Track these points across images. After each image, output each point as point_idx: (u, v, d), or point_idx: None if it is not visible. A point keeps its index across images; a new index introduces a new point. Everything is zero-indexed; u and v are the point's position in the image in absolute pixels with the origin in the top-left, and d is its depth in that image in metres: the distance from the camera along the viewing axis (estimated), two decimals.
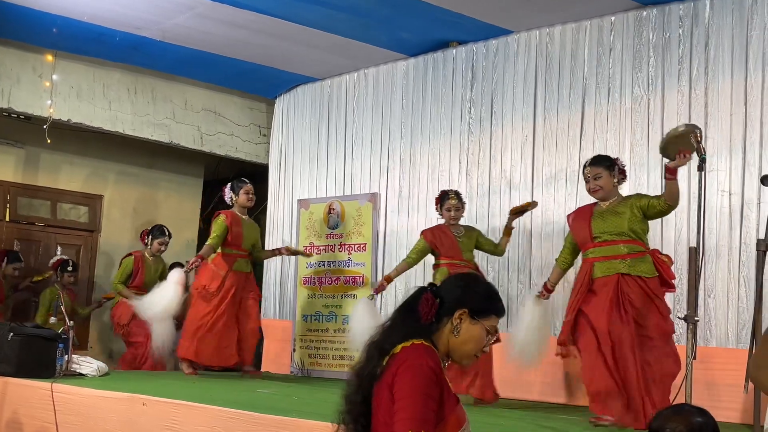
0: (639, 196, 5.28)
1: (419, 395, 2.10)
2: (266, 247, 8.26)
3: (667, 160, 4.98)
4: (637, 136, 6.52)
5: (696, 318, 4.16)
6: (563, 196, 6.78)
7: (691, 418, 2.29)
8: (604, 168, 5.21)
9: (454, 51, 7.61)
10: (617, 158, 5.44)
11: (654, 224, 6.35)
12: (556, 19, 6.88)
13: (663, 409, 2.53)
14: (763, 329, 4.36)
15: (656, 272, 5.00)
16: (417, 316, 2.28)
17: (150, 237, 8.03)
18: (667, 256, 5.21)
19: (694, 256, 4.76)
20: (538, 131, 7.06)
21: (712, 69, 6.21)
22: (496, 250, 6.40)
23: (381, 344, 2.27)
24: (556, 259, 5.59)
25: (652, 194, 5.34)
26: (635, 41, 6.57)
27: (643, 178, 6.43)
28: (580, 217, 5.35)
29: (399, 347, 2.20)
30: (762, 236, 4.13)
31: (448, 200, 6.30)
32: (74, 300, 7.92)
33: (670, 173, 4.91)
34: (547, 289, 5.58)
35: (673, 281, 5.14)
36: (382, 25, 7.17)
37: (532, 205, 6.36)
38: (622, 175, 5.33)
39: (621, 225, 5.04)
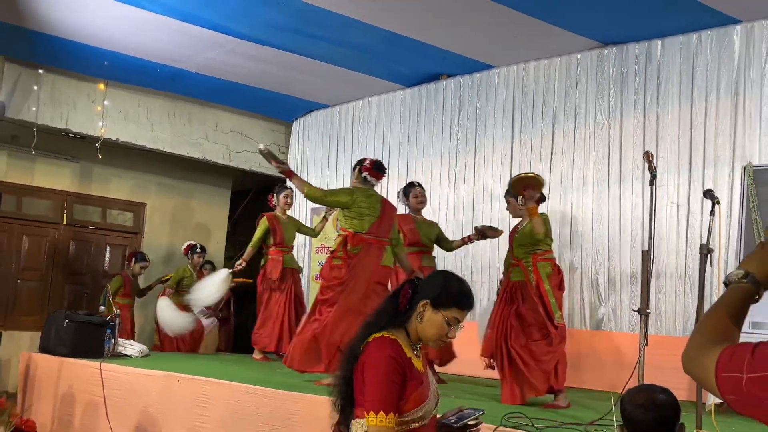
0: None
1: (381, 381, 2.22)
2: None
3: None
4: (599, 155, 6.55)
5: (648, 311, 4.09)
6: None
7: (655, 395, 2.29)
8: (511, 196, 5.17)
9: (444, 83, 7.67)
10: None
11: (613, 230, 6.45)
12: (530, 56, 6.93)
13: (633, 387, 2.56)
14: None
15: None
16: (397, 303, 2.40)
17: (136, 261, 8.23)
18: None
19: (647, 257, 4.81)
20: (515, 151, 7.09)
21: (663, 99, 6.26)
22: (451, 246, 6.26)
23: (368, 328, 2.38)
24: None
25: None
26: (598, 75, 6.61)
27: (603, 193, 6.46)
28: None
29: (371, 338, 2.30)
30: (704, 241, 4.12)
31: (414, 189, 6.10)
32: (201, 278, 7.91)
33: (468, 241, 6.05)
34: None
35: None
36: (383, 60, 7.23)
37: (498, 233, 6.04)
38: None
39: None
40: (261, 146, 5.42)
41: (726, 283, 1.46)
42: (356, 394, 2.26)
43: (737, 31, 5.90)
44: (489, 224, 6.38)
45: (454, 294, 2.39)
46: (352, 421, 2.26)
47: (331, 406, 2.38)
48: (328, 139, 8.80)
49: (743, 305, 1.41)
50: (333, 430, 2.42)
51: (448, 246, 6.29)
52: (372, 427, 2.19)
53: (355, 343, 2.37)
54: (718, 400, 4.54)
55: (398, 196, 6.32)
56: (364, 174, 5.25)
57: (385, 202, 5.34)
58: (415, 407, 2.28)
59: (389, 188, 7.90)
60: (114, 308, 6.42)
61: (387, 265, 5.22)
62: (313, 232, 7.62)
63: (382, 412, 2.19)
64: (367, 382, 2.23)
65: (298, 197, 7.56)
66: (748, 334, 5.21)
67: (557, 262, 5.13)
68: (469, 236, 6.15)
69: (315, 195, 5.27)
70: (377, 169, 5.29)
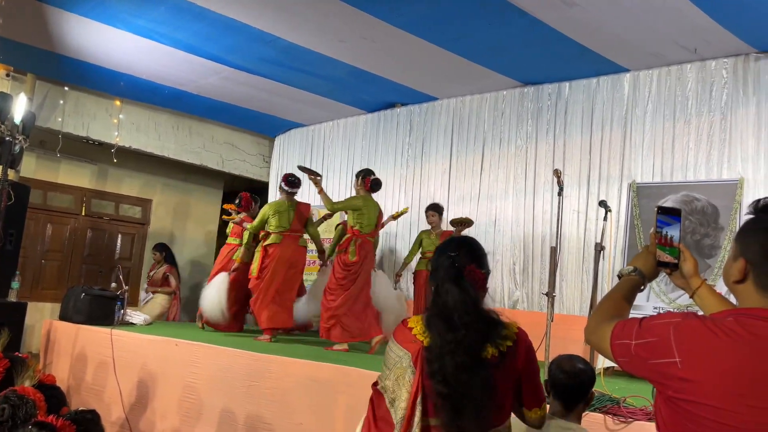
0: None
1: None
2: None
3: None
4: (518, 172, 6.61)
5: (554, 294, 4.16)
6: (468, 211, 6.84)
7: (576, 364, 2.28)
8: (438, 213, 6.31)
9: (398, 110, 7.69)
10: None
11: (527, 230, 6.55)
12: (467, 91, 7.00)
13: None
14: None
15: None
16: None
17: None
18: None
19: (554, 253, 4.87)
20: (452, 166, 7.14)
21: (569, 129, 6.34)
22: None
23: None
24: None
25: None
26: (519, 109, 6.68)
27: (521, 201, 6.53)
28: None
29: (516, 326, 1.91)
30: (598, 241, 4.17)
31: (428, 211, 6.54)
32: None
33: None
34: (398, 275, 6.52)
35: None
36: (350, 90, 7.22)
37: (405, 211, 6.37)
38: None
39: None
40: (299, 165, 5.91)
41: (619, 276, 1.52)
42: (525, 383, 1.81)
43: (627, 78, 6.03)
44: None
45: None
46: (526, 410, 1.83)
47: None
48: (304, 152, 8.73)
49: (632, 292, 1.49)
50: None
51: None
52: (543, 414, 1.87)
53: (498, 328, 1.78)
54: (607, 365, 4.63)
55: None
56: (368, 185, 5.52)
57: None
58: None
59: (353, 194, 7.90)
60: (123, 285, 6.26)
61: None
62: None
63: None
64: (536, 371, 1.86)
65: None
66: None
67: None
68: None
69: (338, 207, 5.49)
70: (376, 184, 5.60)
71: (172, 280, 7.65)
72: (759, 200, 1.33)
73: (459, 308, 1.66)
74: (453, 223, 6.43)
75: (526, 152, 6.60)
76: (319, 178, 5.58)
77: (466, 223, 6.36)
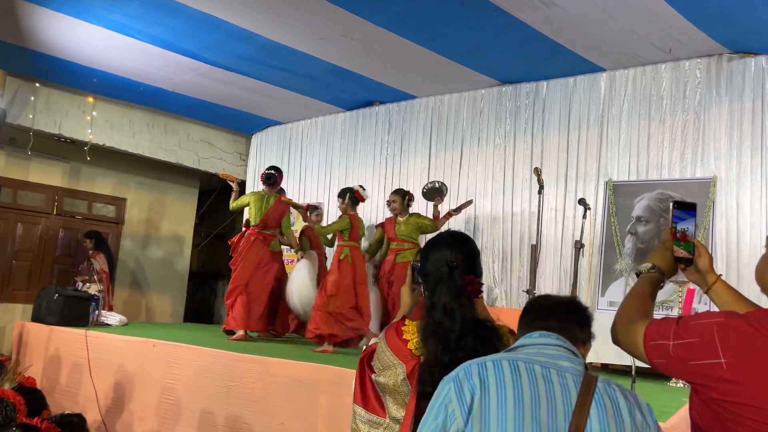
0: (418, 215, 5.86)
1: None
2: None
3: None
4: (497, 170, 6.64)
5: (534, 291, 4.21)
6: (447, 208, 6.74)
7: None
8: (399, 196, 5.80)
9: (377, 108, 7.66)
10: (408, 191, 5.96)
11: (506, 228, 6.58)
12: (446, 90, 7.01)
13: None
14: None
15: None
16: None
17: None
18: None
19: (534, 250, 4.88)
20: (431, 165, 7.13)
21: (547, 127, 6.37)
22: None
23: None
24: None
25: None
26: (497, 107, 6.70)
27: (500, 199, 6.55)
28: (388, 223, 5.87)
29: None
30: (578, 238, 4.21)
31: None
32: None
33: (447, 216, 5.78)
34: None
35: None
36: (328, 88, 7.18)
37: (468, 203, 6.00)
38: (410, 200, 5.85)
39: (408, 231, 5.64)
40: (284, 198, 6.12)
41: (637, 274, 1.49)
42: None
43: (603, 77, 6.10)
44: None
45: None
46: None
47: None
48: (281, 150, 8.67)
49: (653, 290, 1.46)
50: None
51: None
52: None
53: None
54: (586, 362, 4.69)
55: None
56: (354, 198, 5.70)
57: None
58: None
59: (331, 192, 7.89)
60: (99, 285, 6.16)
61: None
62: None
63: None
64: None
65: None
66: (605, 310, 5.42)
67: None
68: (443, 215, 5.93)
69: (329, 231, 5.75)
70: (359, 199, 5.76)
71: (96, 264, 7.23)
72: None
73: (457, 329, 1.56)
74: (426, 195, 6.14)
75: (505, 151, 6.63)
76: (302, 209, 5.88)
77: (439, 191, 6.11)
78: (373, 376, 1.68)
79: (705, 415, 1.22)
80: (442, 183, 6.27)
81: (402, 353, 1.63)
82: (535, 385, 1.21)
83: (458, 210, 5.92)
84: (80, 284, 7.12)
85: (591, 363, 4.85)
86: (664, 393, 4.08)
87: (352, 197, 5.65)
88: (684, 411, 3.12)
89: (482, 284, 1.71)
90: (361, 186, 5.94)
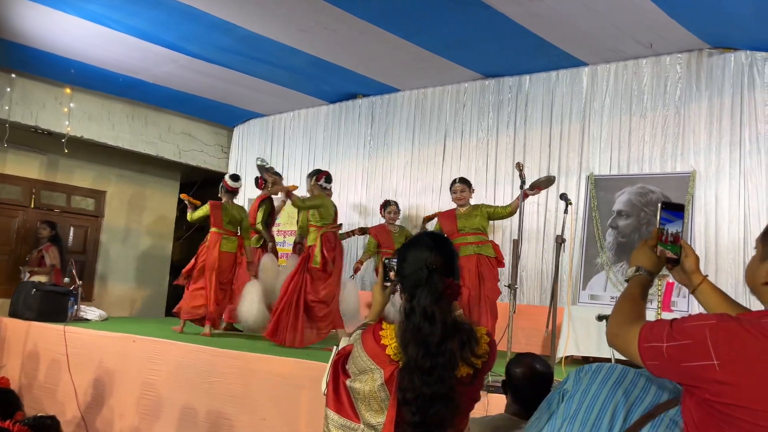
0: (486, 205, 5.26)
1: None
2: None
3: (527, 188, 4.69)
4: (479, 164, 6.66)
5: (516, 286, 4.19)
6: (430, 202, 6.87)
7: (534, 364, 2.19)
8: (467, 185, 5.20)
9: (360, 101, 7.63)
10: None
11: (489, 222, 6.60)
12: (429, 83, 7.00)
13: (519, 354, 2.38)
14: (560, 296, 4.64)
15: (495, 254, 5.07)
16: None
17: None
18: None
19: (516, 245, 4.89)
20: (414, 158, 7.13)
21: (529, 121, 6.40)
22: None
23: None
24: None
25: (492, 205, 5.36)
26: (480, 101, 6.71)
27: (482, 193, 6.51)
28: (447, 216, 5.25)
29: None
30: (559, 233, 4.20)
31: (389, 206, 6.19)
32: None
33: (524, 196, 4.65)
34: None
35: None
36: (311, 80, 7.14)
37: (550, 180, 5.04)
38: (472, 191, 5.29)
39: (474, 223, 5.05)
40: (258, 164, 5.82)
41: (627, 280, 1.49)
42: None
43: (585, 71, 6.13)
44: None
45: None
46: None
47: None
48: (264, 143, 8.61)
49: (644, 291, 1.46)
50: None
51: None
52: None
53: None
54: (567, 354, 4.73)
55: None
56: (321, 182, 5.48)
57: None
58: None
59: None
60: (77, 279, 6.07)
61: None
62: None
63: None
64: None
65: None
66: (586, 304, 5.46)
67: None
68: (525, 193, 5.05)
69: (305, 205, 5.37)
70: (328, 179, 5.57)
71: (47, 259, 6.91)
72: None
73: (437, 333, 1.52)
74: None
75: (488, 144, 6.65)
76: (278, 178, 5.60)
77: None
78: (347, 381, 1.64)
79: (697, 416, 1.24)
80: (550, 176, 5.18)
81: (380, 358, 1.58)
82: None
83: (534, 189, 4.96)
84: (27, 275, 6.78)
85: (572, 356, 4.90)
86: None
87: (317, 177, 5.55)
88: None
89: (461, 286, 1.68)
90: (390, 202, 6.20)
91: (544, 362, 2.25)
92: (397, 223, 6.37)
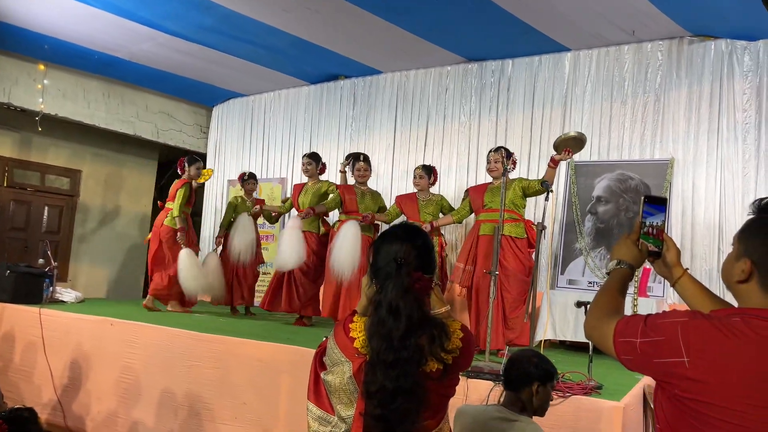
0: (521, 179, 4.70)
1: None
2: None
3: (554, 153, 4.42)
4: (461, 148, 6.66)
5: (496, 272, 4.10)
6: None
7: (525, 353, 2.23)
8: (501, 156, 4.57)
9: (342, 82, 7.57)
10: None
11: None
12: (411, 66, 6.96)
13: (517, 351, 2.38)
14: (540, 283, 4.72)
15: (525, 235, 4.59)
16: None
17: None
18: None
19: (497, 231, 4.80)
20: (396, 141, 7.11)
21: (511, 105, 6.41)
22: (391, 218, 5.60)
23: None
24: (455, 211, 5.11)
25: (527, 179, 4.83)
26: (462, 84, 6.70)
27: (464, 177, 6.56)
28: (477, 190, 4.85)
29: None
30: (540, 220, 4.19)
31: (357, 163, 5.65)
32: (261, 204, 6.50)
33: (553, 163, 4.36)
34: (432, 225, 5.07)
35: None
36: (292, 61, 7.06)
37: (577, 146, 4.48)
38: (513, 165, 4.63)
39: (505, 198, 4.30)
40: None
41: (608, 273, 1.51)
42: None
43: (567, 57, 6.15)
44: None
45: None
46: None
47: None
48: (243, 123, 8.51)
49: (623, 285, 1.48)
50: None
51: (390, 218, 5.51)
52: None
53: None
54: (545, 338, 4.79)
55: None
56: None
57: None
58: None
59: (295, 166, 7.81)
60: (51, 260, 5.98)
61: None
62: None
63: None
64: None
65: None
66: (564, 289, 5.53)
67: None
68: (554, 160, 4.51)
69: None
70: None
71: None
72: (761, 199, 1.34)
73: (402, 328, 1.50)
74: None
75: (470, 128, 6.65)
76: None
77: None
78: (322, 374, 1.64)
79: (669, 411, 1.27)
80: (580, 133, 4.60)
81: (348, 351, 1.58)
82: None
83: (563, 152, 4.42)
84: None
85: (550, 340, 4.96)
86: (619, 371, 4.19)
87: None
88: (637, 389, 3.23)
89: (433, 280, 1.64)
90: (360, 157, 5.83)
91: (538, 354, 2.33)
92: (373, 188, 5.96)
